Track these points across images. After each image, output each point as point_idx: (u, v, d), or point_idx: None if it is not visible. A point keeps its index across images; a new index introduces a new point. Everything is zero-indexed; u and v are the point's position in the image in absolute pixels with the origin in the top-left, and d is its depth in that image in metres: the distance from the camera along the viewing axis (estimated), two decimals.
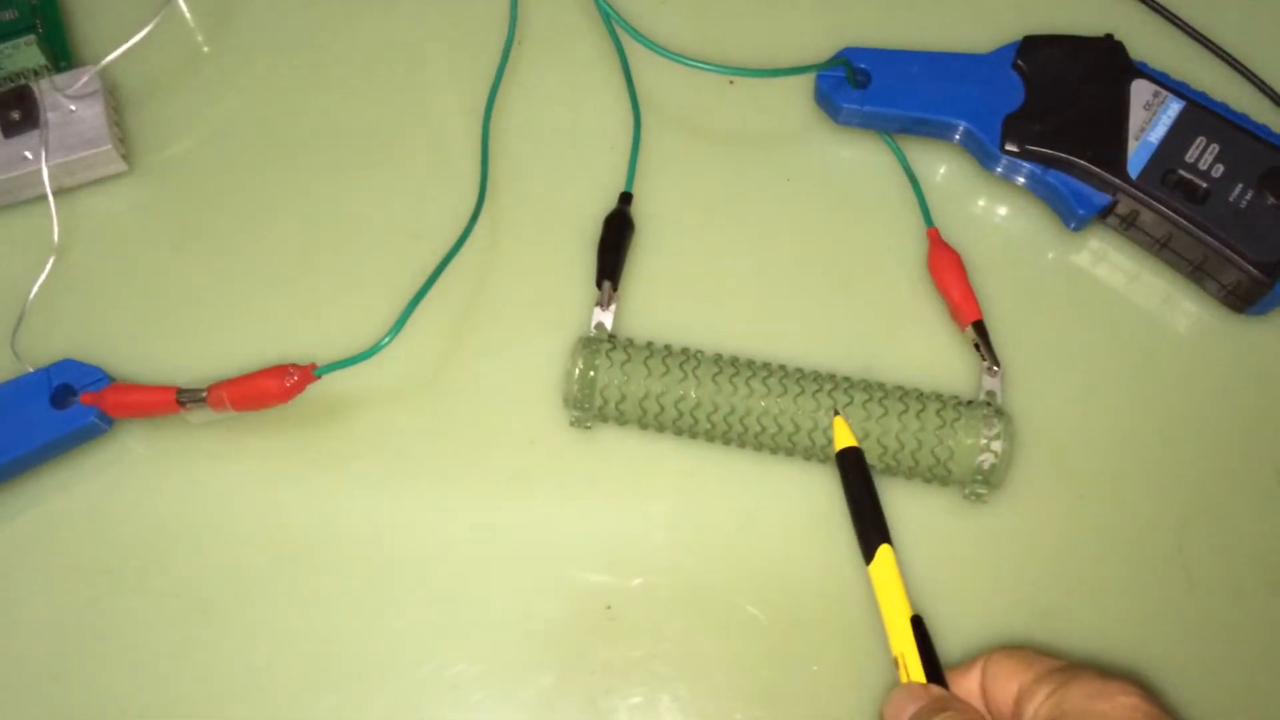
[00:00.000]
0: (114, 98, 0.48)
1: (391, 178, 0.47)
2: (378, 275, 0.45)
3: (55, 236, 0.46)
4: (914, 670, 0.35)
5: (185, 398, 0.41)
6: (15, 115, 0.46)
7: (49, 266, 0.46)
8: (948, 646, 0.39)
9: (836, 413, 0.41)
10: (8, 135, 0.46)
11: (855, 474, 0.39)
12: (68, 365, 0.43)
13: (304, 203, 0.47)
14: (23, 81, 0.47)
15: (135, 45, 0.46)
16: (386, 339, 0.40)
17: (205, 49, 0.50)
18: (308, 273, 0.46)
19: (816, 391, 0.42)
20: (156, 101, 0.49)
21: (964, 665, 0.36)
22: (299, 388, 0.40)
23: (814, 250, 0.46)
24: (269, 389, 0.40)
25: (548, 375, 0.44)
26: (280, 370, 0.40)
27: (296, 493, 0.42)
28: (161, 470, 0.43)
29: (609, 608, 0.41)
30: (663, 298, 0.45)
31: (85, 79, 0.47)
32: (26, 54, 0.47)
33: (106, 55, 0.46)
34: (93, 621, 0.41)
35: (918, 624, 0.36)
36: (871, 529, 0.38)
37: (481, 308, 0.45)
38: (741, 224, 0.47)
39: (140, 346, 0.44)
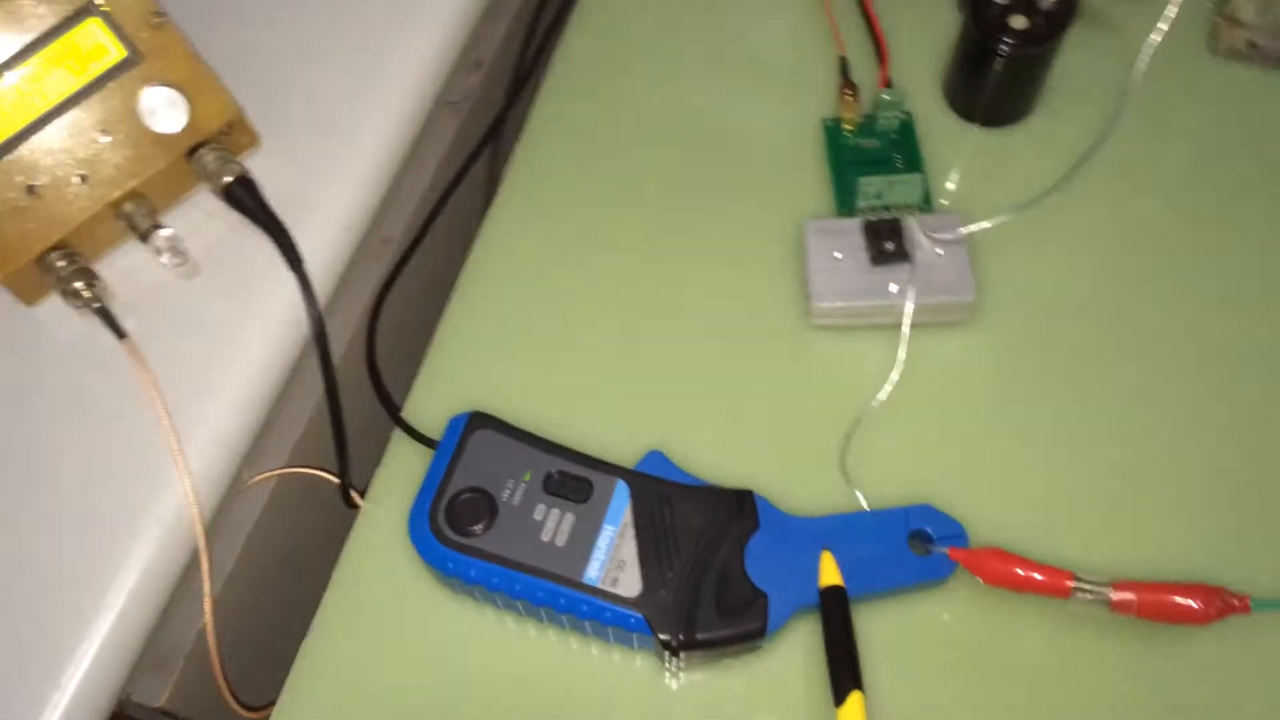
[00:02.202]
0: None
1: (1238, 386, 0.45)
2: (1226, 492, 0.42)
3: (898, 368, 0.45)
4: None
5: (1085, 589, 0.38)
6: (889, 246, 0.46)
7: (884, 394, 0.45)
8: None
9: (826, 549, 0.39)
10: (875, 263, 0.46)
11: (837, 613, 0.38)
12: (928, 511, 0.41)
13: (1151, 391, 0.45)
14: (895, 215, 0.47)
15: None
16: None
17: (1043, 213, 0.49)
18: (1161, 470, 0.43)
19: None
20: (998, 257, 0.48)
21: None
22: (1222, 615, 0.37)
23: None
24: (1190, 610, 0.37)
25: None
26: (1213, 592, 0.37)
27: None
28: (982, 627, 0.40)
29: None
30: None
31: (958, 229, 0.46)
32: (910, 189, 0.47)
33: (968, 206, 0.46)
34: None
35: None
36: (846, 674, 0.37)
37: None
38: None
39: (971, 504, 0.42)
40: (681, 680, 0.41)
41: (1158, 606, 0.38)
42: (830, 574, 0.39)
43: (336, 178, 0.46)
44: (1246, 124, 0.51)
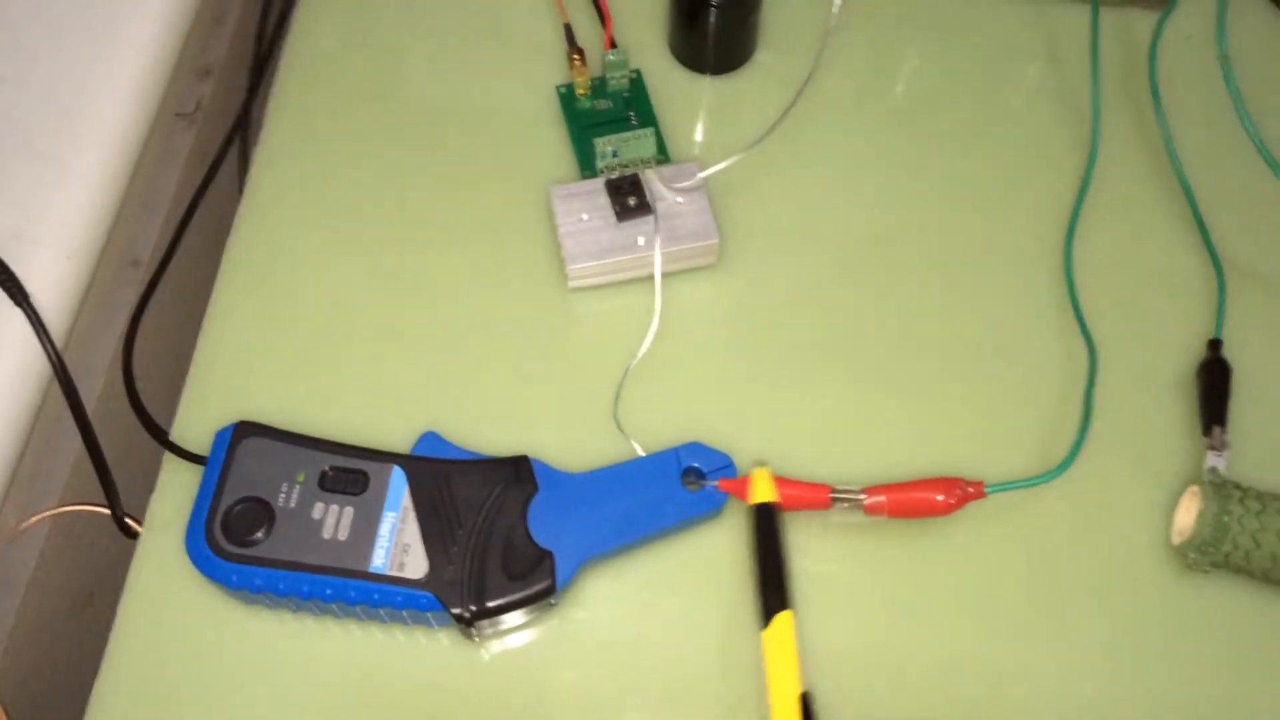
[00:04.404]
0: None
1: (980, 293, 0.48)
2: (992, 391, 0.46)
3: (656, 318, 0.47)
4: None
5: (841, 498, 0.41)
6: (631, 201, 0.48)
7: (646, 345, 0.47)
8: None
9: (763, 464, 0.39)
10: (621, 219, 0.48)
11: (768, 530, 0.37)
12: (695, 448, 0.43)
13: (887, 306, 0.48)
14: (634, 171, 0.49)
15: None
16: (1061, 468, 0.41)
17: (775, 149, 0.51)
18: (907, 377, 0.47)
19: None
20: (730, 196, 0.50)
21: None
22: (962, 504, 0.40)
23: None
24: (934, 503, 0.40)
25: (1151, 520, 0.44)
26: (951, 484, 0.40)
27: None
28: None
29: None
30: (1265, 445, 0.45)
31: (695, 175, 0.48)
32: (644, 144, 0.49)
33: (685, 150, 0.49)
34: None
35: (806, 702, 0.33)
36: (774, 592, 0.36)
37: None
38: None
39: (734, 436, 0.45)
40: (490, 648, 0.42)
41: (906, 504, 0.41)
42: (763, 491, 0.40)
43: (57, 208, 0.45)
44: (949, 43, 0.55)
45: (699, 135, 0.52)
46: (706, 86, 0.54)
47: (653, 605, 0.42)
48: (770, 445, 0.45)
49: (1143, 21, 0.55)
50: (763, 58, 0.54)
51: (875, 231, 0.50)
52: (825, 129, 0.52)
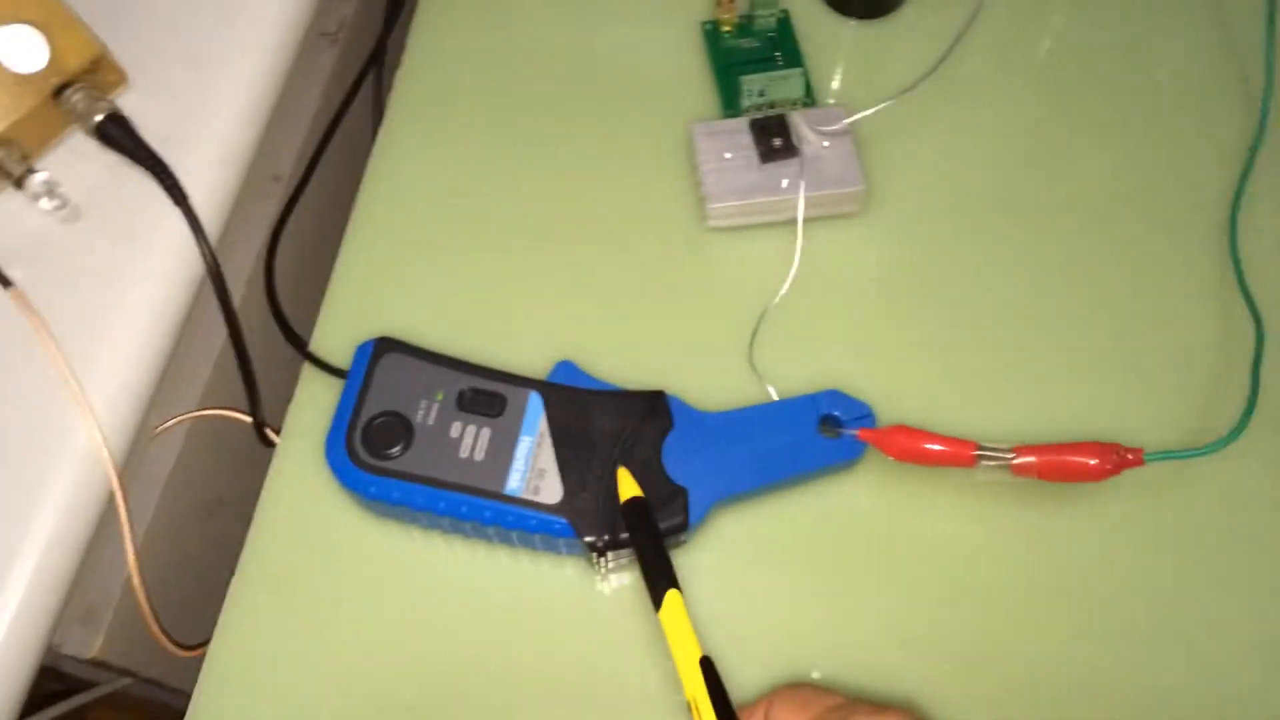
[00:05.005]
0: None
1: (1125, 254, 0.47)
2: (1112, 358, 0.45)
3: (796, 262, 0.46)
4: (705, 713, 0.35)
5: (989, 455, 0.40)
6: (776, 143, 0.47)
7: (785, 289, 0.46)
8: (737, 687, 0.38)
9: (620, 465, 0.40)
10: (765, 160, 0.47)
11: (642, 524, 0.39)
12: (835, 396, 0.43)
13: (1034, 268, 0.47)
14: (780, 111, 0.48)
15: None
16: (1227, 440, 0.39)
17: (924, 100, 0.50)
18: (1055, 341, 0.45)
19: None
20: (879, 143, 0.49)
21: (749, 707, 0.36)
22: (1118, 470, 0.39)
23: None
24: (1088, 467, 0.39)
25: None
26: (1108, 449, 0.39)
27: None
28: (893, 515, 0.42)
29: None
30: None
31: (842, 120, 0.47)
32: (792, 85, 0.48)
33: (832, 94, 0.48)
34: None
35: (707, 665, 0.36)
36: (660, 577, 0.38)
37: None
38: None
39: (863, 384, 0.44)
40: (612, 582, 0.42)
41: (1057, 466, 0.40)
42: (628, 488, 0.40)
43: (211, 113, 0.45)
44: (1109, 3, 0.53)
45: (846, 81, 0.51)
46: (855, 31, 0.52)
47: (783, 555, 0.42)
48: (908, 400, 0.44)
49: None
50: (911, 8, 0.53)
51: (1024, 190, 0.49)
52: (976, 84, 0.51)
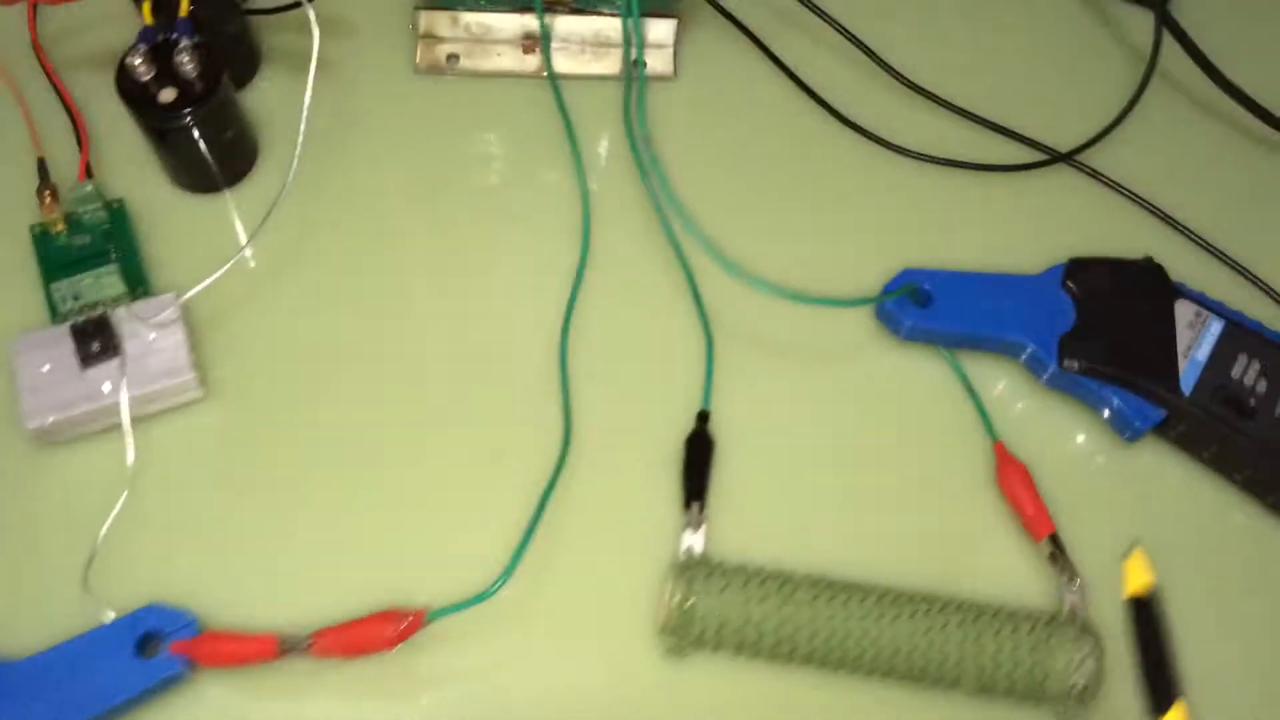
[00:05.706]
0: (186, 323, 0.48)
1: (474, 396, 0.48)
2: (466, 500, 0.45)
3: (129, 469, 0.45)
4: None
5: (288, 647, 0.40)
6: (95, 346, 0.46)
7: (121, 501, 0.45)
8: None
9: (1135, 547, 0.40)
10: (85, 366, 0.46)
11: (1149, 622, 0.40)
12: (154, 611, 0.42)
13: (378, 426, 0.47)
14: (101, 310, 0.47)
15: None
16: (499, 583, 0.40)
17: (262, 269, 0.50)
18: (394, 501, 0.46)
19: (913, 614, 0.43)
20: (224, 321, 0.49)
21: None
22: (409, 633, 0.40)
23: (884, 464, 0.48)
24: (378, 636, 0.39)
25: (636, 603, 0.44)
26: (391, 617, 0.40)
27: None
28: (245, 716, 0.42)
29: None
30: (743, 514, 0.46)
31: (169, 309, 0.46)
32: (107, 283, 0.47)
33: (177, 279, 0.47)
34: None
35: None
36: (1168, 682, 0.39)
37: (565, 536, 0.45)
38: (813, 439, 0.48)
39: (220, 585, 0.43)
40: None
41: (350, 642, 0.40)
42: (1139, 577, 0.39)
43: None
44: (450, 130, 0.54)
45: (187, 262, 0.50)
46: (207, 206, 0.52)
47: None
48: (258, 593, 0.43)
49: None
50: (270, 163, 0.53)
51: (360, 339, 0.49)
52: (306, 231, 0.51)
